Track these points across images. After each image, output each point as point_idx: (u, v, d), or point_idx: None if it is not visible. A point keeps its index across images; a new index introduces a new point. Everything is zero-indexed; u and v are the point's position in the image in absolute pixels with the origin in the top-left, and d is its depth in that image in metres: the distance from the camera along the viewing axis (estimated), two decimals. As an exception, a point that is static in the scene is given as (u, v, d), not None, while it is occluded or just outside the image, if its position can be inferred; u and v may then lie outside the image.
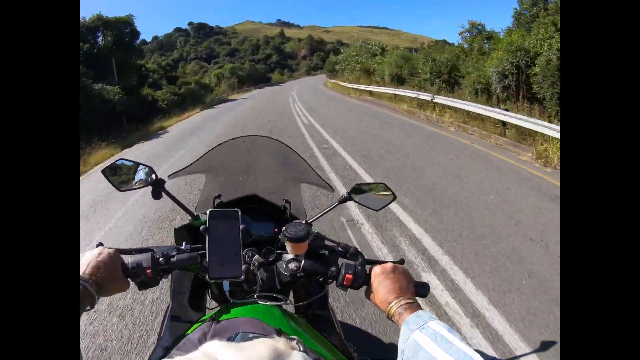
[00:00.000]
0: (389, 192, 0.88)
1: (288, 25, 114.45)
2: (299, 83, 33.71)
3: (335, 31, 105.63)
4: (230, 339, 0.48)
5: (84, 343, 1.65)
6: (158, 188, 0.80)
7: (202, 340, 0.52)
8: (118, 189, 0.82)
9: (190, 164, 0.95)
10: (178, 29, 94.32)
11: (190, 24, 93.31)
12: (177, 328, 0.76)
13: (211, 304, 0.88)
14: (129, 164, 0.84)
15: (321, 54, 75.73)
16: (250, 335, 0.47)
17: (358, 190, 0.88)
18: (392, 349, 1.49)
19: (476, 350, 0.46)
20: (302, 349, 0.43)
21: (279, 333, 0.50)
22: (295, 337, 0.47)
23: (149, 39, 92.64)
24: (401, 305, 0.55)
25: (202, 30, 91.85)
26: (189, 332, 0.59)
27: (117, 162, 0.83)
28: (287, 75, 56.44)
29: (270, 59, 70.65)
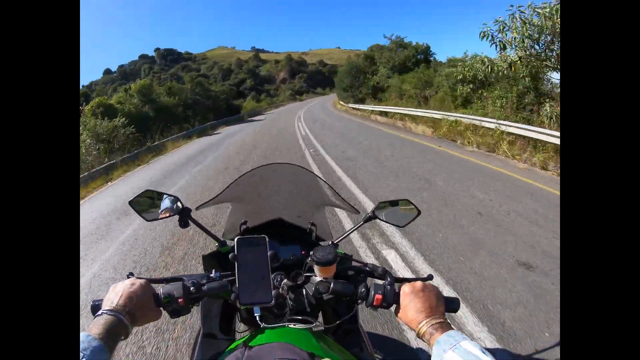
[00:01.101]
0: (413, 208, 0.98)
1: (263, 51, 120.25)
2: (296, 115, 20.29)
3: (314, 53, 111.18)
4: None
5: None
6: (185, 217, 0.91)
7: None
8: (145, 219, 0.94)
9: (217, 195, 1.08)
10: (143, 56, 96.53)
11: (156, 50, 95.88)
12: (209, 354, 0.85)
13: (240, 327, 1.00)
14: (156, 194, 0.95)
15: (304, 76, 75.51)
16: None
17: (382, 207, 0.99)
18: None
19: None
20: None
21: (312, 357, 0.55)
22: (328, 359, 0.52)
23: (114, 69, 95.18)
24: (432, 325, 0.61)
25: (169, 57, 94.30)
26: (221, 358, 0.65)
27: (144, 193, 0.95)
28: (266, 101, 48.35)
29: (243, 84, 69.24)
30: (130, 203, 0.93)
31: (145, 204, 0.95)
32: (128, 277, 0.69)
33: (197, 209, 1.03)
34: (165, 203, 0.93)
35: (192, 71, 79.70)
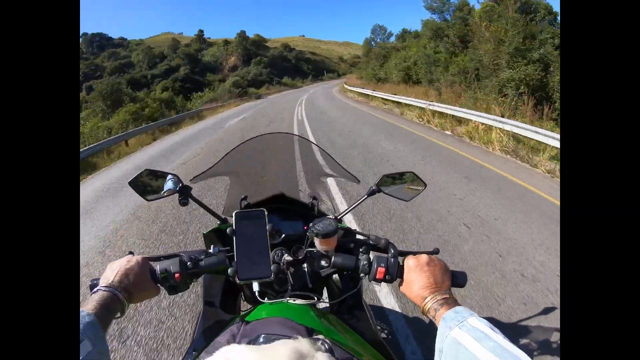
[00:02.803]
0: (419, 182, 1.17)
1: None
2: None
3: (274, 41, 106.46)
4: (252, 341, 0.63)
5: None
6: (185, 195, 1.08)
7: (231, 341, 0.67)
8: (145, 198, 1.11)
9: (212, 166, 1.27)
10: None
11: (83, 35, 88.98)
12: (210, 331, 1.00)
13: (245, 306, 1.15)
14: (155, 173, 1.13)
15: (264, 61, 65.60)
16: (273, 337, 0.61)
17: (386, 181, 1.16)
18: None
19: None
20: (327, 348, 0.58)
21: (309, 332, 0.65)
22: (321, 336, 0.62)
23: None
24: (437, 301, 0.70)
25: (95, 42, 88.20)
26: (220, 333, 0.75)
27: (143, 173, 1.11)
28: (171, 101, 27.60)
29: (174, 73, 56.32)
30: (130, 183, 1.09)
31: (145, 183, 1.13)
32: (127, 255, 0.82)
33: (191, 180, 1.22)
34: (167, 184, 1.11)
35: (120, 59, 68.42)
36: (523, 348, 0.58)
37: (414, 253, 0.84)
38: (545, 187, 5.15)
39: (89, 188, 7.27)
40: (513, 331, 2.25)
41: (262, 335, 0.64)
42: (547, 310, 2.44)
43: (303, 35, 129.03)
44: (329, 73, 78.72)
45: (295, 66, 74.97)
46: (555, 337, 2.10)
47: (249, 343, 0.61)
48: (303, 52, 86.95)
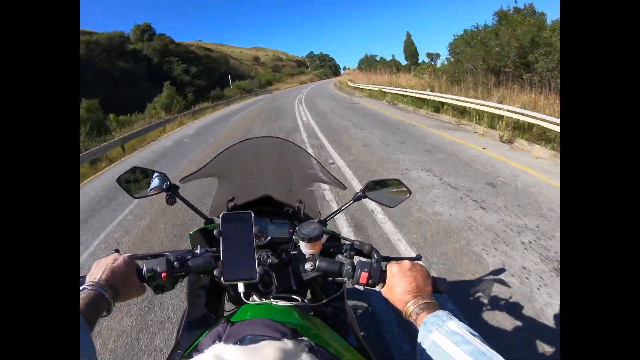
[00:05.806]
0: (404, 188, 1.41)
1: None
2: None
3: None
4: (239, 341, 0.74)
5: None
6: (172, 194, 1.29)
7: (217, 342, 0.77)
8: (132, 196, 1.32)
9: (202, 168, 1.51)
10: None
11: None
12: (194, 331, 1.20)
13: (229, 307, 1.36)
14: (143, 171, 1.36)
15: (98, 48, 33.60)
16: (259, 338, 0.73)
17: (372, 187, 1.40)
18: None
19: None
20: (311, 349, 0.69)
21: (294, 333, 0.76)
22: (305, 338, 0.74)
23: None
24: (418, 305, 0.85)
25: None
26: (204, 334, 0.89)
27: (132, 170, 1.34)
28: None
29: None
30: (118, 180, 1.32)
31: (133, 180, 1.35)
32: (113, 253, 0.96)
33: (181, 181, 1.45)
34: (154, 181, 1.32)
35: None
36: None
37: (397, 259, 1.02)
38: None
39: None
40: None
41: (249, 336, 0.75)
42: (497, 272, 3.13)
43: (200, 40, 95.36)
44: (240, 80, 54.94)
45: (154, 68, 43.21)
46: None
47: (235, 343, 0.70)
48: (187, 47, 57.38)
